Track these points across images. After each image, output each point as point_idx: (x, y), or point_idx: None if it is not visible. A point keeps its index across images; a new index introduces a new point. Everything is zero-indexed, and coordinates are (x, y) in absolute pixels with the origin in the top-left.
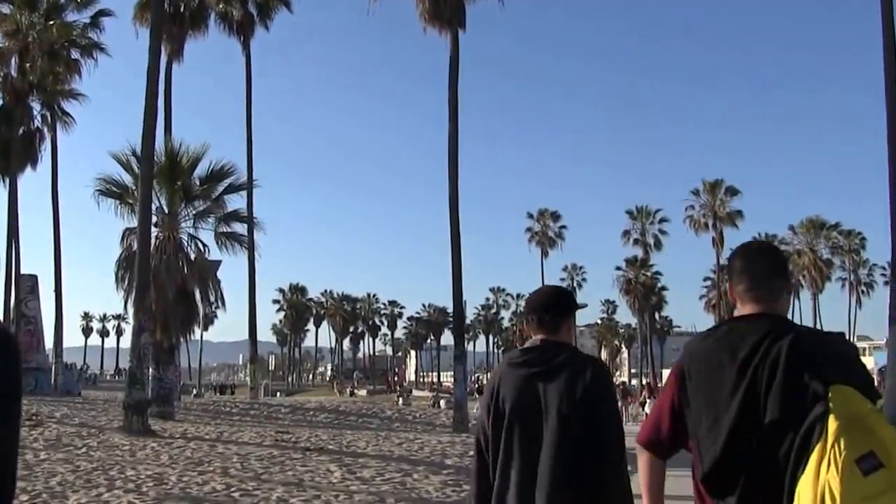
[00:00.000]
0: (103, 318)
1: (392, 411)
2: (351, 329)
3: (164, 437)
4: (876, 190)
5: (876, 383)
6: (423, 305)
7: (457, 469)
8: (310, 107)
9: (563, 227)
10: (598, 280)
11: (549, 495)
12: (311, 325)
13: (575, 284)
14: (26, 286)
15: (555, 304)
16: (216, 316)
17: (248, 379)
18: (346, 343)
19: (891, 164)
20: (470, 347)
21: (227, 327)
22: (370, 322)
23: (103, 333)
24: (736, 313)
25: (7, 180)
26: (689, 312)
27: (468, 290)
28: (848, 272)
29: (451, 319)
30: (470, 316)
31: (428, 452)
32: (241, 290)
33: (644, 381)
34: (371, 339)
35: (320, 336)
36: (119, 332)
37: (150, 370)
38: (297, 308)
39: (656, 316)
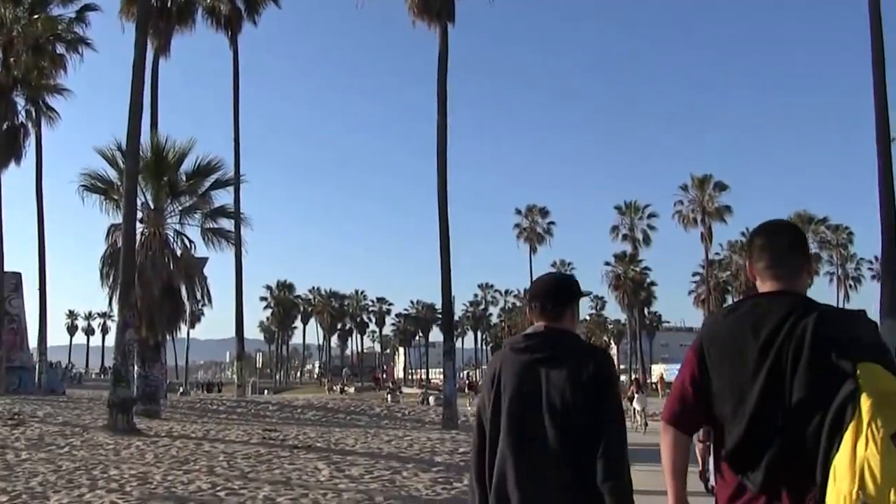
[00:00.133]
0: (89, 316)
1: (381, 408)
2: (339, 326)
3: (149, 436)
4: (863, 185)
5: None
6: (412, 302)
7: (446, 466)
8: (298, 103)
9: (552, 223)
10: (586, 276)
11: (549, 483)
12: (298, 323)
13: None
14: (10, 284)
15: (557, 292)
16: (203, 313)
17: (235, 377)
18: (334, 340)
19: (880, 160)
20: (458, 344)
21: (215, 325)
22: (358, 319)
23: (88, 331)
24: (758, 290)
25: None
26: (678, 308)
27: (456, 286)
28: (836, 266)
29: (439, 316)
30: (458, 312)
31: (417, 450)
32: (228, 287)
33: (633, 377)
34: (359, 336)
35: (308, 333)
36: (104, 330)
37: (136, 368)
38: (285, 305)
39: (645, 311)
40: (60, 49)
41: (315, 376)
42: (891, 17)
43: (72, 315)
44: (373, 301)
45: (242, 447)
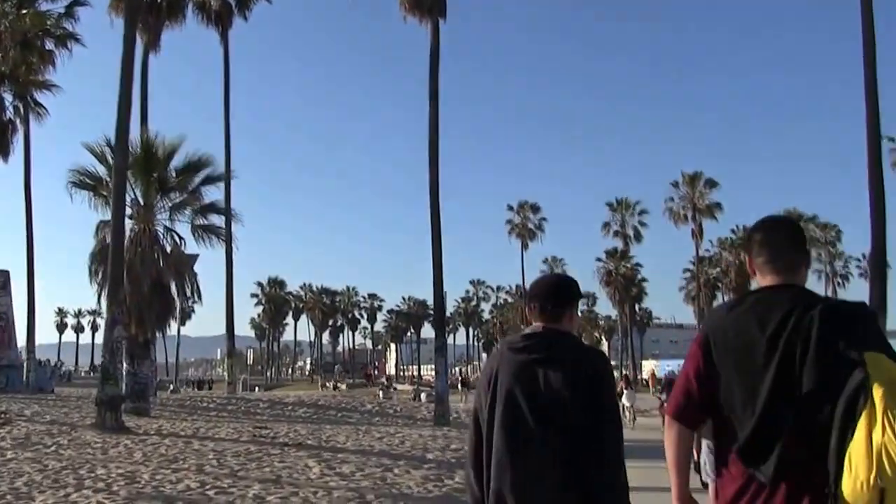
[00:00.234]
0: (78, 314)
1: (372, 405)
2: (330, 323)
3: (138, 434)
4: (851, 184)
5: None
6: (403, 298)
7: (438, 463)
8: (290, 98)
9: (544, 219)
10: (578, 272)
11: (546, 482)
12: (289, 319)
13: None
14: None
15: (556, 293)
16: (193, 310)
17: (225, 374)
18: (326, 337)
19: (870, 158)
20: (450, 340)
21: (206, 322)
22: (350, 315)
23: (78, 329)
24: (755, 285)
25: None
26: (669, 304)
27: (448, 282)
28: (824, 264)
29: (431, 312)
30: (450, 308)
31: (409, 447)
32: (219, 284)
33: (623, 373)
34: (351, 333)
35: (299, 330)
36: (94, 328)
37: (125, 365)
38: (276, 302)
39: (636, 307)
40: (49, 44)
41: (307, 373)
42: (882, 15)
43: (61, 313)
44: (364, 297)
45: (232, 445)
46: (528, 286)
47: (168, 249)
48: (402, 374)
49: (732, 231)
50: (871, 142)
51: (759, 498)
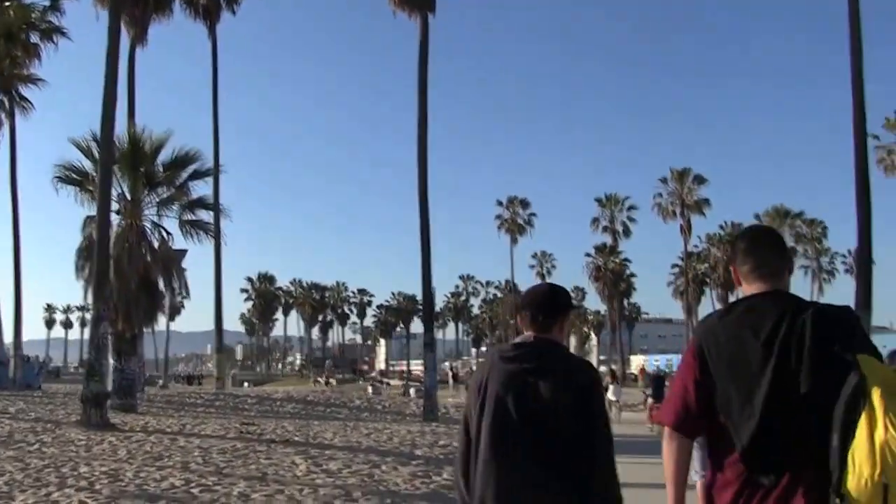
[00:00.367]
0: (67, 310)
1: (361, 401)
2: (320, 318)
3: (123, 431)
4: (838, 180)
5: None
6: (393, 293)
7: (426, 459)
8: (278, 93)
9: (533, 214)
10: (567, 267)
11: (538, 489)
12: (279, 315)
13: (544, 271)
14: None
15: (547, 303)
16: (183, 306)
17: (215, 369)
18: (316, 332)
19: (856, 156)
20: (439, 335)
21: (196, 317)
22: (339, 310)
23: (67, 325)
24: (744, 293)
25: None
26: (658, 299)
27: (438, 277)
28: (811, 260)
29: (420, 307)
30: (439, 304)
31: (397, 443)
32: (209, 280)
33: (611, 368)
34: (340, 328)
35: (289, 325)
36: (83, 324)
37: (112, 361)
38: (266, 297)
39: (625, 302)
40: (34, 38)
41: (297, 368)
42: (868, 12)
43: (50, 309)
44: (354, 292)
45: (218, 442)
46: (516, 283)
47: (155, 245)
48: (391, 369)
49: (721, 227)
50: (857, 139)
51: (758, 500)
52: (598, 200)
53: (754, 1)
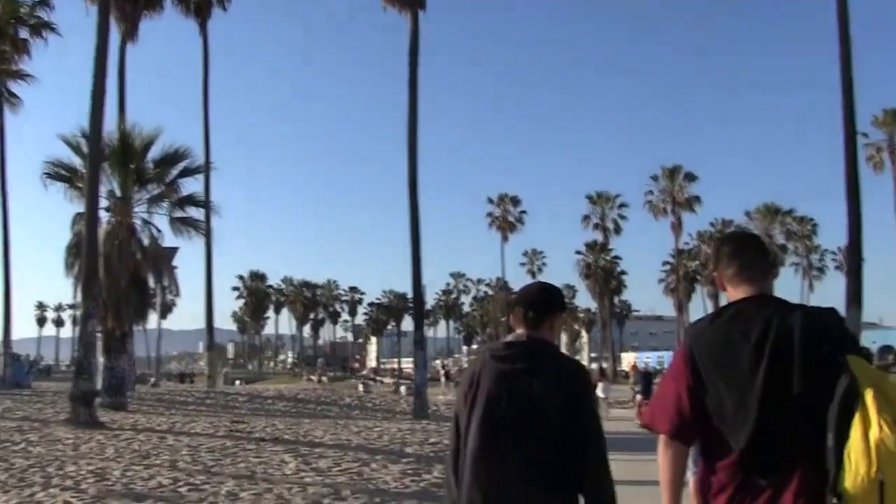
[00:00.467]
0: (58, 308)
1: (352, 399)
2: (311, 316)
3: (112, 430)
4: (826, 178)
5: None
6: (384, 291)
7: (417, 458)
8: (271, 91)
9: (524, 211)
10: (558, 264)
11: (528, 484)
12: (271, 312)
13: (535, 269)
14: None
15: (538, 302)
16: (175, 303)
17: (207, 367)
18: (307, 330)
19: (846, 153)
20: (430, 333)
21: (188, 315)
22: (331, 308)
23: (58, 323)
24: (728, 297)
25: None
26: (648, 296)
27: (428, 275)
28: (801, 257)
29: (411, 305)
30: (430, 301)
31: (387, 441)
32: (200, 277)
33: (601, 365)
34: (332, 326)
35: (280, 323)
36: (75, 322)
37: (102, 359)
38: (257, 295)
39: (616, 300)
40: (23, 33)
41: (289, 366)
42: (858, 12)
43: (41, 307)
44: (345, 290)
45: (208, 440)
46: (507, 281)
47: (145, 242)
48: (382, 366)
49: (711, 224)
50: (847, 137)
51: (754, 501)
52: (590, 198)
53: (746, 1)
